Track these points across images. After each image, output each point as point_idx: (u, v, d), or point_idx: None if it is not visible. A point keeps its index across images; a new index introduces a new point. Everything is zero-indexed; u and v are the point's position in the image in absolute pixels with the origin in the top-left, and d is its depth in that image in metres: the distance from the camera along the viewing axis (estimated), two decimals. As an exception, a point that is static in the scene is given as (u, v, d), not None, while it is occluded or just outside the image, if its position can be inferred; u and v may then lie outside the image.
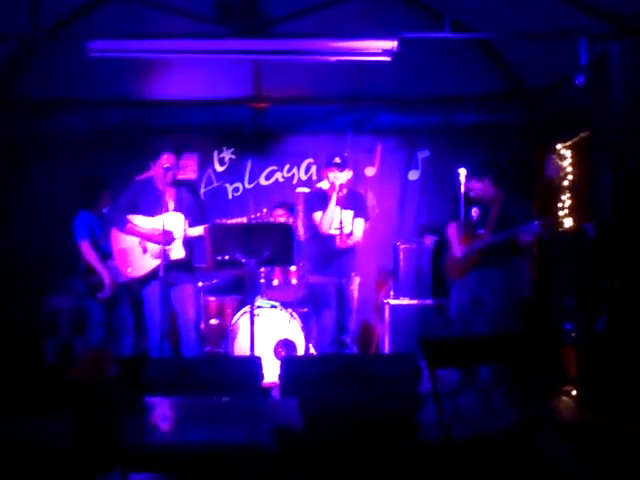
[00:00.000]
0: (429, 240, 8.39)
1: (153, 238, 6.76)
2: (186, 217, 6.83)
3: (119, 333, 7.66)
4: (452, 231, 7.57)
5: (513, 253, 7.40)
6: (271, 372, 6.45)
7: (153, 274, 6.75)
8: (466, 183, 7.34)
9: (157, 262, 6.68)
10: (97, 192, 7.69)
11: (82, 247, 7.50)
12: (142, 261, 6.87)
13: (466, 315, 7.26)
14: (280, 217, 7.98)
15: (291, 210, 8.26)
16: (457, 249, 7.40)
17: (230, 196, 9.13)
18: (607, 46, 6.54)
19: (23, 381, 4.14)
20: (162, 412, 3.83)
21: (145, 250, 6.85)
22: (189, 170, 8.92)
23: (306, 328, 7.58)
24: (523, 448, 3.06)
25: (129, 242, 6.91)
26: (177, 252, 6.79)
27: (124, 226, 6.86)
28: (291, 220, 8.07)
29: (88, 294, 7.57)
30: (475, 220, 7.33)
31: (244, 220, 6.76)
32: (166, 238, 6.63)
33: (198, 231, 6.79)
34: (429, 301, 8.13)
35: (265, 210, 6.95)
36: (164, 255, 6.60)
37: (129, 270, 6.88)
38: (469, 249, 7.24)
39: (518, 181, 8.06)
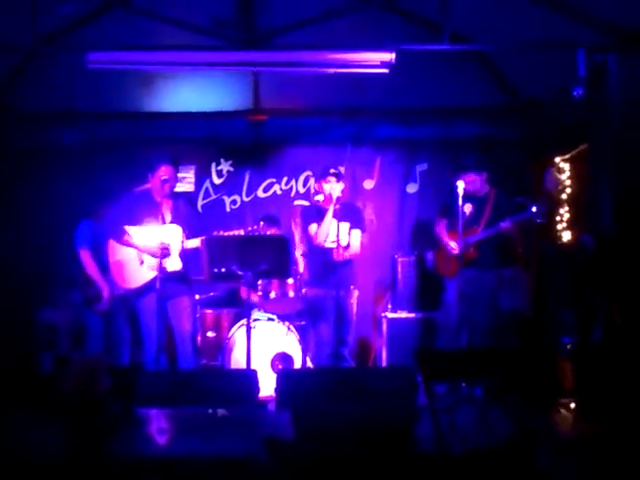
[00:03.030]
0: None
1: (149, 251, 6.73)
2: (183, 229, 6.81)
3: (116, 345, 7.64)
4: (442, 227, 7.61)
5: (511, 260, 7.43)
6: (268, 385, 6.42)
7: (149, 286, 6.72)
8: (462, 175, 7.37)
9: (154, 274, 6.65)
10: (98, 202, 7.68)
11: (82, 256, 7.48)
12: (139, 273, 6.84)
13: (459, 320, 7.26)
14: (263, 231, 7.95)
15: (275, 223, 8.21)
16: (452, 245, 7.41)
17: (228, 209, 9.10)
18: (606, 57, 6.53)
19: (18, 391, 4.12)
20: (156, 424, 3.80)
21: (142, 262, 6.83)
22: (187, 182, 8.90)
23: (303, 341, 7.56)
24: (519, 461, 3.03)
25: (126, 253, 6.89)
26: (174, 264, 6.77)
27: (121, 238, 6.83)
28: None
29: (86, 306, 7.55)
30: (468, 216, 7.33)
31: (241, 232, 6.74)
32: (163, 252, 6.61)
33: (195, 243, 6.77)
34: (427, 314, 8.11)
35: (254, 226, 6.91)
36: (160, 267, 6.58)
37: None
38: (464, 244, 7.25)
39: (516, 193, 8.03)
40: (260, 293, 7.74)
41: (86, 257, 7.48)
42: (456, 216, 7.15)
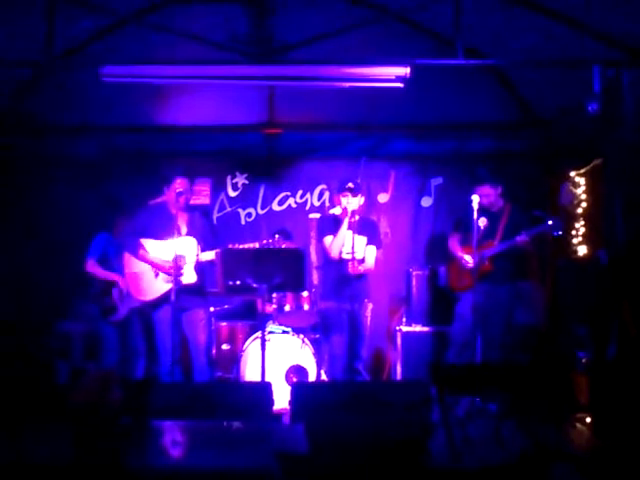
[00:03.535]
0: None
1: (163, 269, 6.76)
2: (199, 242, 6.84)
3: (131, 357, 7.66)
4: (454, 241, 7.60)
5: (525, 274, 7.41)
6: (282, 398, 6.43)
7: (165, 298, 6.74)
8: (477, 188, 7.35)
9: (169, 286, 6.66)
10: (114, 215, 7.73)
11: (88, 266, 7.56)
12: (154, 285, 6.87)
13: (472, 333, 7.24)
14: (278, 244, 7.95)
15: (288, 237, 8.21)
16: (467, 258, 7.41)
17: (243, 221, 9.11)
18: (619, 73, 6.51)
19: (33, 401, 4.14)
20: (170, 436, 3.81)
21: (157, 274, 6.85)
22: (202, 195, 8.92)
23: (318, 354, 7.55)
24: (534, 476, 3.03)
25: (141, 266, 6.92)
26: (189, 277, 6.79)
27: (136, 251, 6.86)
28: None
29: (101, 317, 7.58)
30: (483, 230, 7.32)
31: (256, 245, 6.75)
32: (176, 271, 6.61)
33: (210, 256, 6.79)
34: (442, 328, 8.09)
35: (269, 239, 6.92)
36: (176, 280, 6.59)
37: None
38: (478, 258, 7.22)
39: (531, 207, 8.01)
40: (275, 306, 7.74)
41: (92, 266, 7.57)
42: (470, 230, 7.13)
